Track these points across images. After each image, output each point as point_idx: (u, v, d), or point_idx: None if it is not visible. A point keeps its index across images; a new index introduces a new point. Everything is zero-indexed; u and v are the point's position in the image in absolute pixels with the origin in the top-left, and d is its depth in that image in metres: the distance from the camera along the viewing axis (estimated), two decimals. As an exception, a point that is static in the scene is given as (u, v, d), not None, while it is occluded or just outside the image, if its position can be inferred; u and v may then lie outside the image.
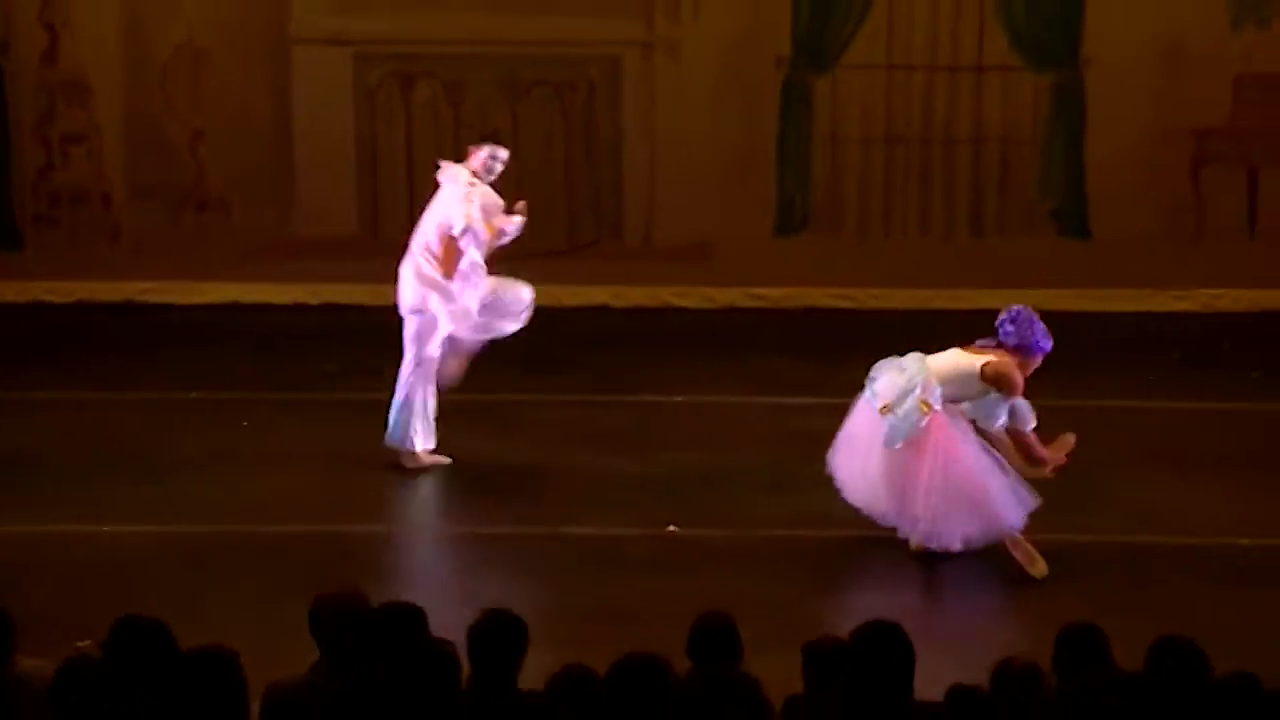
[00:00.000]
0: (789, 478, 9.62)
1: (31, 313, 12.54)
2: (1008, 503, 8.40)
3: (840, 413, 10.19)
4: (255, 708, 5.42)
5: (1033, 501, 8.41)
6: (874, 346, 11.72)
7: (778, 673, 5.58)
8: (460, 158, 9.77)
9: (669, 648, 5.51)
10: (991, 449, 8.49)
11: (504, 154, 9.74)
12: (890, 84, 12.65)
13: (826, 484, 9.52)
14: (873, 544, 8.85)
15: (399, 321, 9.65)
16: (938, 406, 8.39)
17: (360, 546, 8.73)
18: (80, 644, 6.21)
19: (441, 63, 12.73)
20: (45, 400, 10.74)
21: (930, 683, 5.40)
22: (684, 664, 5.53)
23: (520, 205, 9.76)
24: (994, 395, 8.42)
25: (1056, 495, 9.35)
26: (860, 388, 10.92)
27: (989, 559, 8.64)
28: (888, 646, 5.37)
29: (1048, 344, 8.50)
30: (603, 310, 12.69)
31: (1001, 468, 8.43)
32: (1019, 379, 8.37)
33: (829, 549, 8.83)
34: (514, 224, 9.73)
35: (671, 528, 9.01)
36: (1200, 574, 8.45)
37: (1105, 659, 5.41)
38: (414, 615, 5.61)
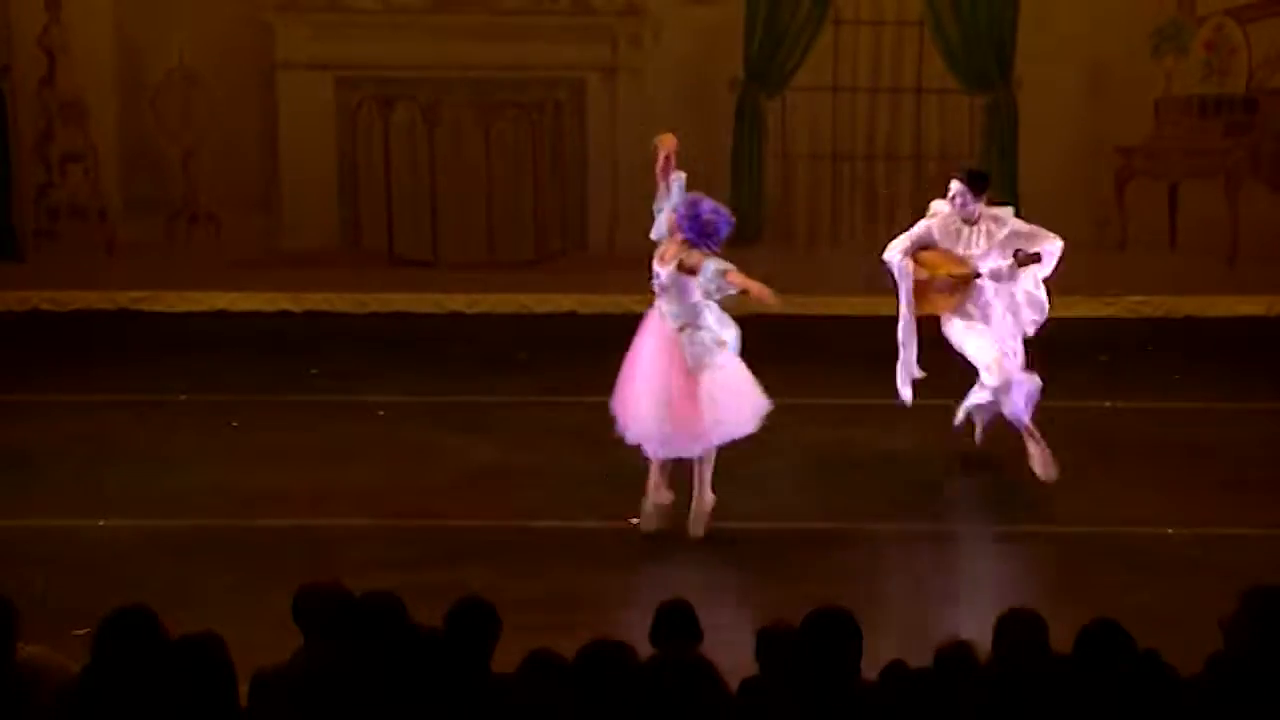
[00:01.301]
0: (743, 473, 9.59)
1: (32, 321, 12.45)
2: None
3: (793, 412, 10.20)
4: (244, 691, 5.38)
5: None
6: (823, 350, 11.79)
7: (734, 657, 5.54)
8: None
9: (632, 633, 5.47)
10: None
11: (956, 186, 9.33)
12: (836, 105, 12.65)
13: (778, 478, 9.52)
14: (822, 535, 8.83)
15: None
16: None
17: (342, 540, 8.67)
18: (78, 632, 6.15)
19: (418, 86, 12.68)
20: (45, 403, 10.66)
21: (877, 666, 5.38)
22: (647, 649, 5.49)
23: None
24: (696, 280, 8.48)
25: (997, 489, 9.38)
26: (809, 389, 10.97)
27: (932, 553, 8.63)
28: (837, 632, 5.35)
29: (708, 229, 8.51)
30: (570, 316, 12.66)
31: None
32: (694, 258, 8.48)
33: (781, 540, 8.81)
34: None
35: (633, 520, 8.97)
36: (1129, 562, 8.45)
37: (1042, 642, 5.39)
38: (392, 603, 5.57)
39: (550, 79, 12.61)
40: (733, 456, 9.79)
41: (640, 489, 9.21)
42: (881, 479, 9.57)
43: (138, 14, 12.46)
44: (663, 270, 8.61)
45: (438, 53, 12.59)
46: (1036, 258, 9.25)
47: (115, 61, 12.54)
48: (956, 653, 5.34)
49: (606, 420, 9.15)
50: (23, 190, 12.69)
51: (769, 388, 10.87)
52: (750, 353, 11.67)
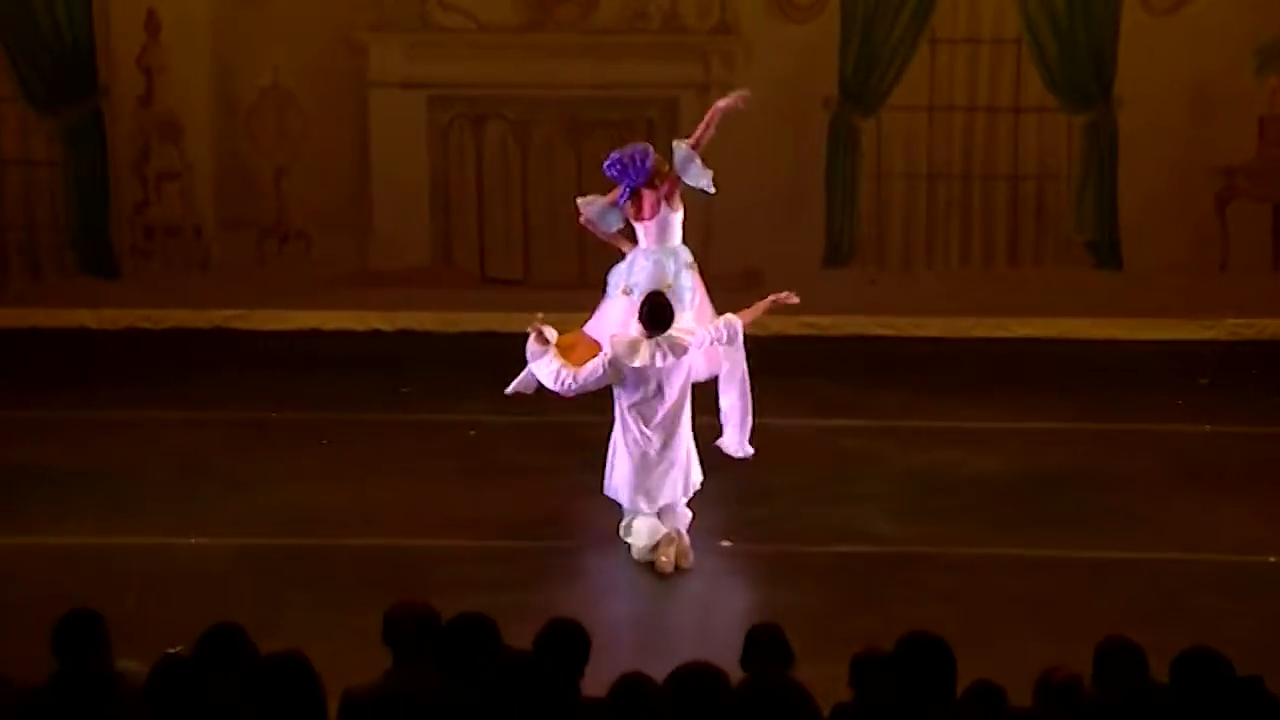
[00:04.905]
0: (837, 495, 9.57)
1: (127, 338, 12.59)
2: None
3: (885, 435, 10.16)
4: (333, 710, 5.40)
5: None
6: (916, 371, 11.74)
7: (826, 682, 5.51)
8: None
9: (722, 656, 5.46)
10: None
11: None
12: (932, 124, 12.59)
13: (870, 502, 9.48)
14: (915, 559, 8.77)
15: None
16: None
17: (432, 559, 8.71)
18: (171, 650, 6.21)
19: (509, 104, 12.73)
20: (139, 419, 10.77)
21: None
22: (737, 673, 5.47)
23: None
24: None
25: (1092, 514, 9.28)
26: (901, 411, 10.92)
27: (1027, 578, 8.55)
28: (931, 658, 5.31)
29: (608, 170, 9.04)
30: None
31: None
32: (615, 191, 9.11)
33: (874, 563, 8.77)
34: None
35: (725, 542, 8.96)
36: (1230, 589, 8.34)
37: (1142, 672, 5.33)
38: (485, 625, 5.58)
39: (642, 98, 12.62)
40: (824, 480, 9.78)
41: (732, 510, 9.22)
42: (975, 502, 9.50)
43: (234, 34, 12.60)
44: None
45: (529, 71, 12.64)
46: None
47: (211, 81, 12.69)
48: (1063, 684, 5.28)
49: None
50: (120, 209, 12.86)
51: (861, 408, 10.89)
52: (842, 373, 11.70)
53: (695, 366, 8.77)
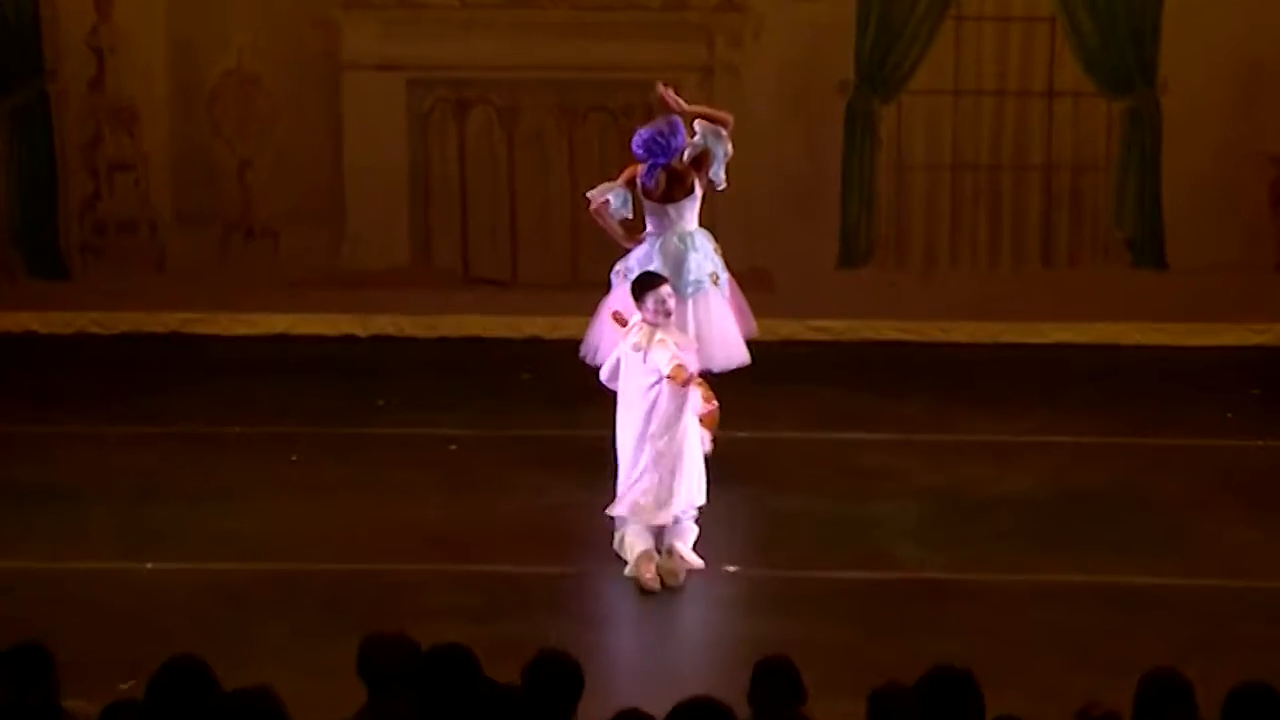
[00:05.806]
0: (853, 515, 9.60)
1: (77, 344, 12.61)
2: None
3: (905, 450, 10.19)
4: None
5: None
6: (940, 381, 11.76)
7: (841, 719, 5.54)
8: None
9: (728, 692, 5.48)
10: None
11: None
12: (957, 109, 12.62)
13: (888, 523, 9.51)
14: (937, 586, 8.80)
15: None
16: None
17: (410, 586, 8.73)
18: (123, 685, 6.24)
19: (495, 88, 12.76)
20: (89, 433, 10.80)
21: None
22: (745, 709, 5.50)
23: None
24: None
25: (1132, 536, 9.30)
26: (924, 424, 10.93)
27: (1062, 606, 8.58)
28: (957, 694, 5.33)
29: (638, 147, 9.46)
30: (660, 342, 12.67)
31: None
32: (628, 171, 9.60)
33: (894, 590, 8.79)
34: None
35: (730, 567, 8.98)
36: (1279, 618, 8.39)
37: (1189, 706, 5.35)
38: (464, 656, 5.60)
39: (640, 81, 12.64)
40: (839, 499, 9.80)
41: (734, 533, 9.24)
42: (1004, 523, 9.53)
43: (193, 12, 12.62)
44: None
45: (517, 52, 12.67)
46: None
47: (169, 63, 12.70)
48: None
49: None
50: (68, 202, 12.87)
51: (877, 420, 10.92)
52: (856, 382, 11.72)
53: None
